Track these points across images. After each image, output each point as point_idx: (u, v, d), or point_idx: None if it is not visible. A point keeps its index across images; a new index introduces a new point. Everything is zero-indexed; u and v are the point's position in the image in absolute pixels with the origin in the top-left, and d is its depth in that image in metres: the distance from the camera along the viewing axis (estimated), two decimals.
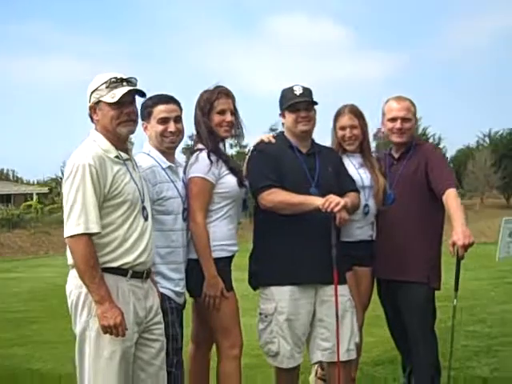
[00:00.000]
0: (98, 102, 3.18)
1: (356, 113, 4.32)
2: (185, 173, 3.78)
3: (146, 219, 3.26)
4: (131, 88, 3.18)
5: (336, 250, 3.78)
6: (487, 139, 56.85)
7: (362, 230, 4.24)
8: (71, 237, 3.01)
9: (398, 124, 4.19)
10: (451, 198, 3.90)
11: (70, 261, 3.14)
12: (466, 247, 3.66)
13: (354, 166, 4.27)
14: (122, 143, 3.25)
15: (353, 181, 4.14)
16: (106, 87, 3.15)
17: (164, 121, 3.63)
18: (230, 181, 3.79)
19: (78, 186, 3.02)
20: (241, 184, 3.82)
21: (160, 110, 3.62)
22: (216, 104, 3.82)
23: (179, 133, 3.68)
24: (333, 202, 3.67)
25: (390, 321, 4.43)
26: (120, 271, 3.14)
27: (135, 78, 3.24)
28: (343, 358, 3.87)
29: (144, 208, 3.26)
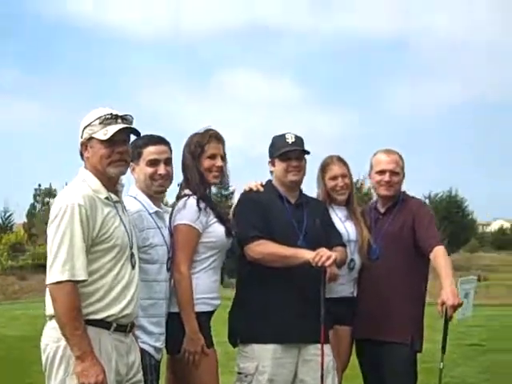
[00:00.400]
0: (90, 138, 2.97)
1: (344, 162, 4.24)
2: (170, 219, 3.57)
3: (133, 267, 3.02)
4: (125, 126, 2.98)
5: (324, 307, 3.61)
6: (427, 201, 58.28)
7: (344, 287, 4.09)
8: (55, 284, 2.75)
9: (386, 177, 4.11)
10: (440, 256, 3.83)
11: (49, 311, 2.86)
12: (455, 307, 3.57)
13: (339, 219, 4.15)
14: (112, 184, 3.03)
15: (339, 234, 4.01)
16: (100, 123, 2.95)
17: (154, 163, 3.44)
18: (217, 230, 3.60)
19: (66, 227, 2.78)
20: (229, 234, 3.63)
21: (150, 152, 3.43)
22: (207, 148, 3.65)
23: (168, 176, 3.49)
24: (324, 255, 3.51)
25: (369, 382, 4.25)
26: (103, 324, 2.88)
27: (131, 116, 3.05)
28: None
29: (132, 255, 3.02)
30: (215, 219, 3.60)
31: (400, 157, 4.18)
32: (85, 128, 2.99)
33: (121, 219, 2.99)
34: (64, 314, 2.74)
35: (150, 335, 3.33)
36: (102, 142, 2.94)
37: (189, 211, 3.52)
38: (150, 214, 3.40)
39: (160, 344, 3.39)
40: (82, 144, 3.01)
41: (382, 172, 4.15)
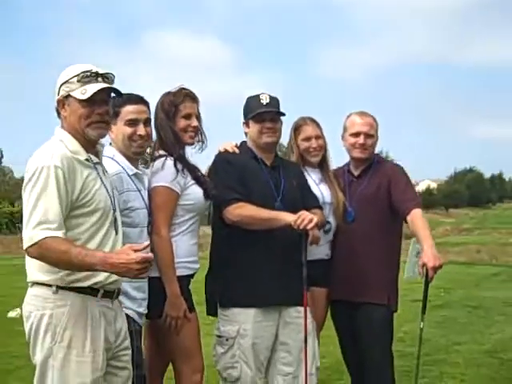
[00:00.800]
0: (68, 96, 2.78)
1: (317, 123, 4.16)
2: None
3: (116, 232, 2.88)
4: (105, 86, 2.79)
5: (305, 270, 3.58)
6: None
7: (320, 249, 4.03)
8: (31, 246, 2.56)
9: (361, 139, 4.06)
10: (418, 218, 3.82)
11: (31, 277, 2.73)
12: (435, 269, 3.59)
13: (314, 182, 4.10)
14: (91, 145, 2.86)
15: (315, 197, 3.96)
16: (78, 81, 2.76)
17: (133, 123, 3.28)
18: (195, 192, 3.49)
19: (41, 190, 2.60)
20: (207, 196, 3.53)
21: (128, 111, 3.27)
22: (182, 107, 3.52)
23: (148, 137, 3.34)
24: (306, 218, 3.46)
25: (344, 344, 4.28)
26: (90, 291, 2.75)
27: (112, 74, 2.85)
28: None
29: (115, 219, 2.88)
30: (193, 181, 3.49)
31: (374, 119, 4.13)
32: (62, 85, 2.80)
33: (102, 181, 2.84)
34: (62, 260, 2.58)
35: (133, 301, 3.23)
36: (80, 101, 2.75)
37: (167, 172, 3.41)
38: (129, 175, 3.26)
39: (143, 309, 3.31)
40: (59, 101, 2.82)
41: (356, 134, 4.09)
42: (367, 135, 4.07)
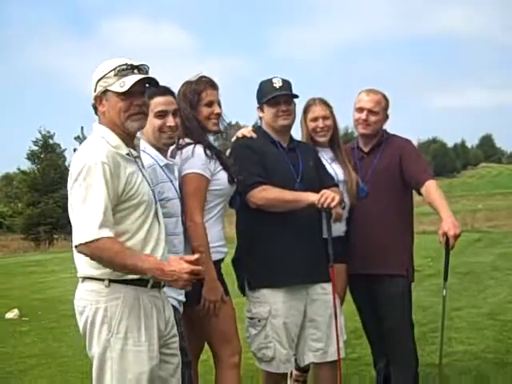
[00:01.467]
0: (105, 91, 2.80)
1: (327, 104, 4.22)
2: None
3: (159, 223, 2.93)
4: (143, 76, 2.82)
5: (331, 247, 3.67)
6: None
7: (336, 226, 4.12)
8: (85, 244, 2.61)
9: (363, 115, 4.15)
10: (433, 190, 3.94)
11: (82, 272, 2.77)
12: (456, 237, 3.70)
13: (326, 161, 4.17)
14: (131, 139, 2.89)
15: (331, 176, 4.05)
16: (115, 75, 2.78)
17: (162, 115, 3.30)
18: (223, 177, 3.56)
19: (90, 186, 2.64)
20: (232, 180, 3.59)
21: (157, 103, 3.29)
22: (204, 95, 3.56)
23: (177, 128, 3.37)
24: (329, 197, 3.54)
25: (364, 316, 4.39)
26: (141, 282, 2.80)
27: (147, 65, 2.88)
28: (335, 357, 3.77)
29: (157, 210, 2.93)
30: (220, 166, 3.55)
31: (384, 97, 4.20)
32: (99, 80, 2.81)
33: (143, 175, 2.88)
34: (116, 262, 2.64)
35: (174, 289, 3.26)
36: (118, 94, 2.77)
37: (197, 159, 3.46)
38: (161, 166, 3.30)
39: (182, 297, 3.35)
40: (96, 98, 2.84)
41: (360, 109, 4.18)
42: (370, 111, 4.15)
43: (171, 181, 3.33)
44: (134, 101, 2.81)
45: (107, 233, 2.61)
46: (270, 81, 3.81)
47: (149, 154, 3.28)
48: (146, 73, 2.87)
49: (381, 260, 4.08)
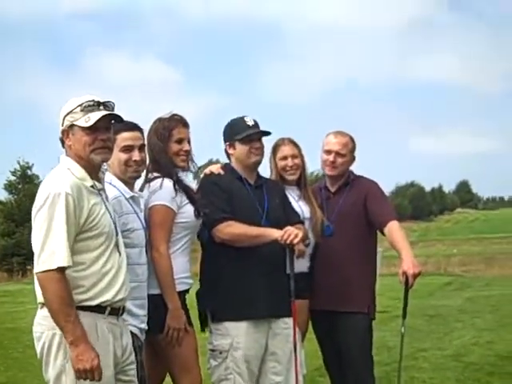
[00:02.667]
0: (72, 125, 2.93)
1: (295, 143, 4.38)
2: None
3: (120, 254, 3.03)
4: (108, 112, 2.95)
5: (293, 283, 3.78)
6: None
7: (300, 262, 4.24)
8: (43, 272, 2.73)
9: (331, 157, 4.30)
10: (395, 230, 4.08)
11: (40, 299, 2.84)
12: (415, 276, 3.84)
13: (293, 199, 4.31)
14: (96, 172, 3.01)
15: (297, 213, 4.18)
16: (81, 110, 2.91)
17: (128, 149, 3.44)
18: (189, 210, 3.68)
19: (53, 215, 2.76)
20: (198, 214, 3.71)
21: (124, 138, 3.43)
22: (175, 132, 3.71)
23: (143, 162, 3.51)
24: (292, 234, 3.67)
25: (325, 352, 4.48)
26: (98, 309, 2.89)
27: (113, 102, 3.02)
28: None
29: (118, 241, 3.03)
30: (187, 200, 3.67)
31: (351, 139, 4.36)
32: (66, 115, 2.94)
33: (106, 207, 2.99)
34: (55, 302, 2.73)
35: (135, 317, 3.37)
36: (84, 129, 2.90)
37: (165, 192, 3.58)
38: (126, 199, 3.41)
39: (144, 326, 3.44)
40: (63, 132, 2.96)
41: (328, 152, 4.33)
42: (338, 154, 4.30)
43: (136, 213, 3.44)
44: (99, 135, 2.93)
45: (65, 262, 2.72)
46: (241, 119, 3.96)
47: (115, 186, 3.40)
48: (112, 109, 3.01)
49: (343, 297, 4.19)
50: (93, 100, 2.94)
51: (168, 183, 3.61)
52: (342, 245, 4.23)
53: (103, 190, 3.06)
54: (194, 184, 4.01)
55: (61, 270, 2.73)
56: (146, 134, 3.69)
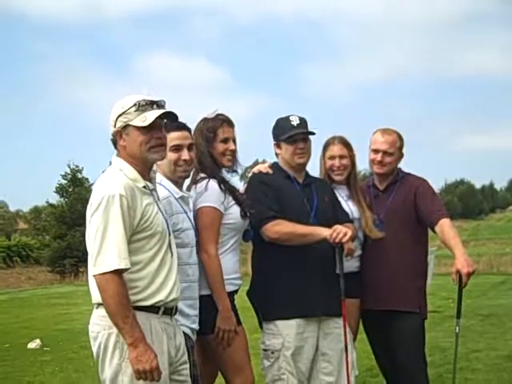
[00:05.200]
0: (126, 126, 2.93)
1: (346, 143, 4.33)
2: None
3: (172, 254, 3.05)
4: (165, 111, 2.97)
5: (343, 281, 3.75)
6: None
7: (349, 262, 4.20)
8: (102, 274, 2.76)
9: (378, 157, 4.25)
10: (447, 228, 4.00)
11: (96, 299, 2.88)
12: (469, 275, 3.76)
13: (342, 198, 4.27)
14: (148, 172, 3.04)
15: (346, 212, 4.14)
16: (135, 110, 2.92)
17: (177, 149, 3.45)
18: (235, 211, 3.68)
19: (109, 217, 2.78)
20: (244, 215, 3.71)
21: (173, 138, 3.43)
22: (220, 132, 3.71)
23: (192, 162, 3.52)
24: (341, 232, 3.64)
25: (377, 352, 4.43)
26: (152, 309, 2.92)
27: (164, 100, 3.02)
28: None
29: (170, 241, 3.04)
30: (233, 201, 3.67)
31: (398, 137, 4.30)
32: (119, 116, 2.95)
33: (158, 207, 3.01)
34: (113, 303, 2.75)
35: (187, 318, 3.38)
36: (139, 128, 2.91)
37: (212, 193, 3.59)
38: (176, 199, 3.43)
39: (196, 326, 3.46)
40: (116, 132, 2.97)
41: (375, 151, 4.28)
42: (386, 153, 4.25)
43: (186, 212, 3.46)
44: (155, 134, 2.94)
45: (123, 264, 2.75)
46: (287, 118, 3.93)
47: (164, 186, 3.41)
48: (164, 108, 3.01)
49: (395, 296, 4.14)
50: (145, 99, 2.94)
51: (214, 184, 3.62)
52: (390, 243, 4.17)
53: (155, 190, 3.07)
54: (240, 185, 4.03)
55: (118, 272, 2.76)
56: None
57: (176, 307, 3.08)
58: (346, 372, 3.76)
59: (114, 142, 3.01)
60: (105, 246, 2.76)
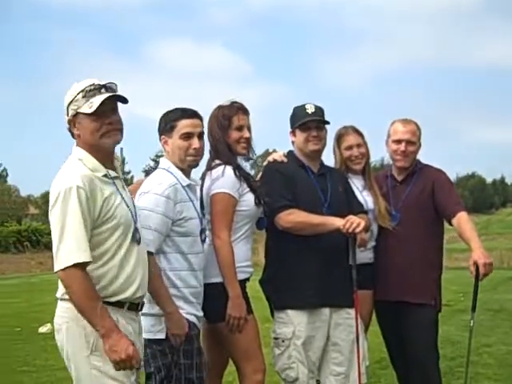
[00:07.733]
0: (76, 114, 2.79)
1: (359, 132, 4.30)
2: (201, 191, 3.62)
3: (138, 243, 2.89)
4: (109, 95, 2.78)
5: (355, 272, 3.73)
6: None
7: (363, 254, 4.17)
8: (63, 270, 2.66)
9: (402, 147, 4.19)
10: (464, 221, 3.97)
11: (60, 293, 2.81)
12: (486, 266, 3.71)
13: (357, 189, 4.23)
14: (109, 160, 2.88)
15: (360, 203, 4.11)
16: (83, 97, 2.76)
17: (188, 136, 3.40)
18: (249, 199, 3.65)
19: (67, 211, 2.66)
20: (258, 202, 3.68)
21: (184, 125, 3.40)
22: (234, 120, 3.68)
23: (202, 150, 3.48)
24: (354, 222, 3.61)
25: (389, 343, 4.39)
26: (116, 303, 2.81)
27: (115, 84, 2.86)
28: (356, 382, 3.79)
29: (136, 230, 2.90)
30: (247, 188, 3.65)
31: (417, 126, 4.25)
32: (69, 104, 2.80)
33: (121, 196, 2.85)
34: (80, 297, 2.66)
35: (192, 305, 3.37)
36: (89, 115, 2.76)
37: (227, 180, 3.57)
38: (183, 186, 3.39)
39: (200, 313, 3.44)
40: (70, 121, 2.83)
41: (398, 141, 4.21)
42: (408, 142, 4.19)
43: (192, 201, 3.42)
44: (106, 119, 2.79)
45: (83, 258, 2.65)
46: (303, 106, 3.91)
47: (172, 173, 3.39)
48: (114, 91, 2.85)
49: (409, 288, 4.10)
50: (93, 84, 2.79)
51: (230, 171, 3.59)
52: (407, 234, 4.13)
53: (119, 178, 2.91)
54: (251, 172, 4.00)
55: (81, 266, 2.65)
56: (206, 122, 3.67)
57: (143, 303, 2.97)
58: (357, 362, 3.74)
59: (71, 131, 2.88)
60: (64, 241, 2.66)
